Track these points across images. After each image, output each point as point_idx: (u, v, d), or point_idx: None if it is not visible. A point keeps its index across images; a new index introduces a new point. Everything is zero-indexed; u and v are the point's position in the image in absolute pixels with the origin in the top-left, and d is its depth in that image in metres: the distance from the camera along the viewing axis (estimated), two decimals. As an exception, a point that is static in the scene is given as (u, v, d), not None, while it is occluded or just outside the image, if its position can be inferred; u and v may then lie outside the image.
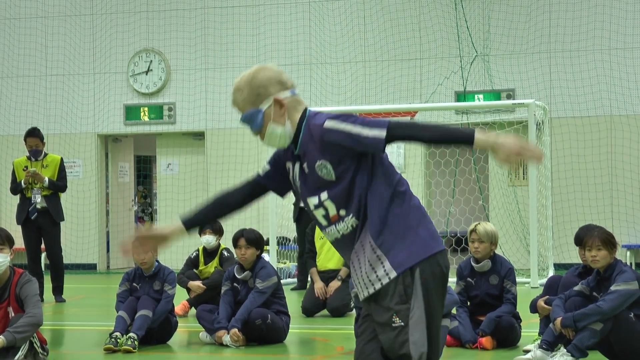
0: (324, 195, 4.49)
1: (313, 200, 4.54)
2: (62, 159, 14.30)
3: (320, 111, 4.61)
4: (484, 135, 4.24)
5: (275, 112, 4.49)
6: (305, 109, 4.57)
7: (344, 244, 4.57)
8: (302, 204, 16.59)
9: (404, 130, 4.36)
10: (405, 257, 4.44)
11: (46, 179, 13.88)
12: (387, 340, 4.45)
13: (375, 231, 4.44)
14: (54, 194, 14.08)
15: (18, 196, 14.18)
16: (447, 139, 4.34)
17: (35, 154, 14.04)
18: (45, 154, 14.18)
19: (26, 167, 14.00)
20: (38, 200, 13.91)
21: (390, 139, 4.35)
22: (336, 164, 4.44)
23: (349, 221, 4.48)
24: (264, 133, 4.54)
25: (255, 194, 4.75)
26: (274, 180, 4.71)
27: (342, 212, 4.49)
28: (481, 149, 4.31)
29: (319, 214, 4.55)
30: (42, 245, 14.24)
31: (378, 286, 4.46)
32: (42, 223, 14.00)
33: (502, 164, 4.24)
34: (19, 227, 14.10)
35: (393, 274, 4.43)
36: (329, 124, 4.42)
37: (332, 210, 4.50)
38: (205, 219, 4.75)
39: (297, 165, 4.58)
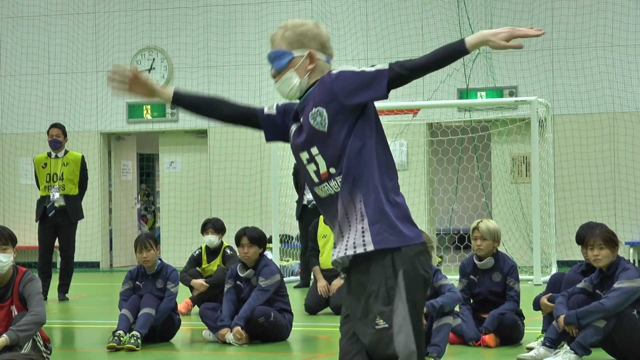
0: (315, 150, 4.49)
1: (305, 155, 4.54)
2: (83, 157, 14.23)
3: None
4: (473, 36, 4.34)
5: (303, 63, 4.56)
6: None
7: (332, 204, 4.54)
8: (304, 202, 16.53)
9: (403, 63, 4.41)
10: (385, 238, 4.40)
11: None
12: (371, 341, 4.41)
13: (366, 200, 4.42)
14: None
15: (33, 193, 14.10)
16: (443, 56, 4.38)
17: (54, 143, 13.94)
18: (66, 151, 14.12)
19: (45, 164, 13.95)
20: (56, 197, 13.84)
21: (393, 74, 4.39)
22: (332, 115, 4.43)
23: (339, 180, 4.46)
24: (281, 76, 4.58)
25: (247, 122, 4.76)
26: (271, 125, 4.72)
27: (332, 170, 4.47)
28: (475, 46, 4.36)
29: (310, 169, 4.54)
30: (56, 244, 14.20)
31: (360, 250, 4.41)
32: (59, 221, 13.93)
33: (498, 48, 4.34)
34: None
35: (370, 247, 4.39)
36: (339, 71, 4.47)
37: (323, 167, 4.49)
38: (193, 106, 4.74)
39: (295, 125, 4.61)
